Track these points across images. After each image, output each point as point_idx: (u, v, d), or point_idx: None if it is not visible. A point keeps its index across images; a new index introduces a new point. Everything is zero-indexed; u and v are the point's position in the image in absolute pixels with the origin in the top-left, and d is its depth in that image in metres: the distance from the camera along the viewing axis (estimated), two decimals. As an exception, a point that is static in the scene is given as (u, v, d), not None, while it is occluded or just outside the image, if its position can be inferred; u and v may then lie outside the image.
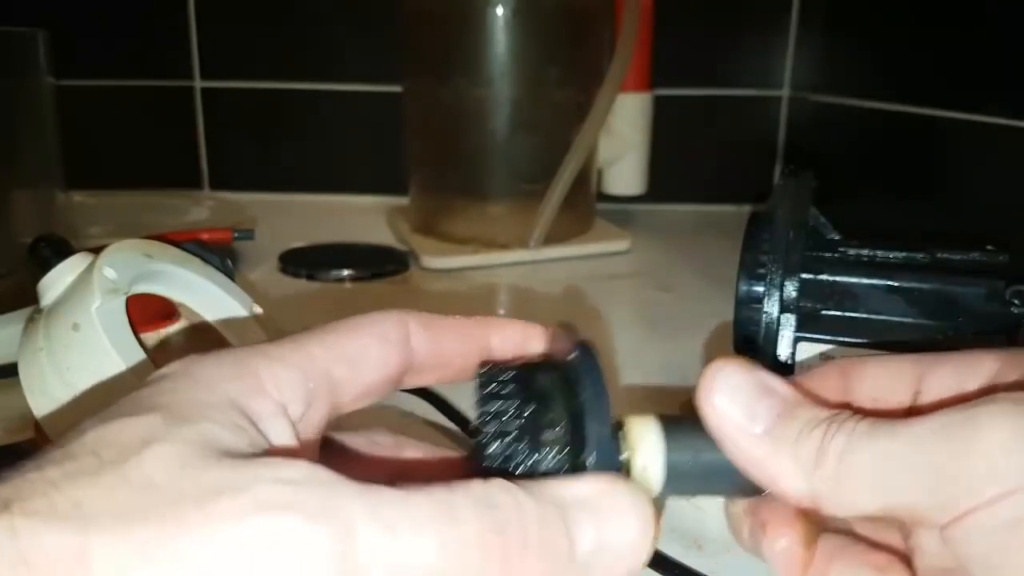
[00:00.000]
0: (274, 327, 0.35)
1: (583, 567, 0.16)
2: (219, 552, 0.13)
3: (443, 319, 0.21)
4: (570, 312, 0.55)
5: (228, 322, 0.36)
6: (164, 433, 0.15)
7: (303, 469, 0.14)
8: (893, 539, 0.21)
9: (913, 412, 0.19)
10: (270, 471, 0.14)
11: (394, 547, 0.14)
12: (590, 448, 0.18)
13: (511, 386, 0.19)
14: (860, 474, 0.18)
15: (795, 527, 0.20)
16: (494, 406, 0.19)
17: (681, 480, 0.19)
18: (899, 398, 0.20)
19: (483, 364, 0.20)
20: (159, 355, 0.31)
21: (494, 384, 0.19)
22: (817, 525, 0.21)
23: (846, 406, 0.20)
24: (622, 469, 0.19)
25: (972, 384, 0.19)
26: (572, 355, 0.19)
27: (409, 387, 0.21)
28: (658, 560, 0.29)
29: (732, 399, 0.19)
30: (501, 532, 0.15)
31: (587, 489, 0.16)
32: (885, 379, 0.20)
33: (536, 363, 0.21)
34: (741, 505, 0.21)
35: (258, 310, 0.37)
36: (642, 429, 0.19)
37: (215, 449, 0.15)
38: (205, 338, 0.36)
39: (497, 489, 0.15)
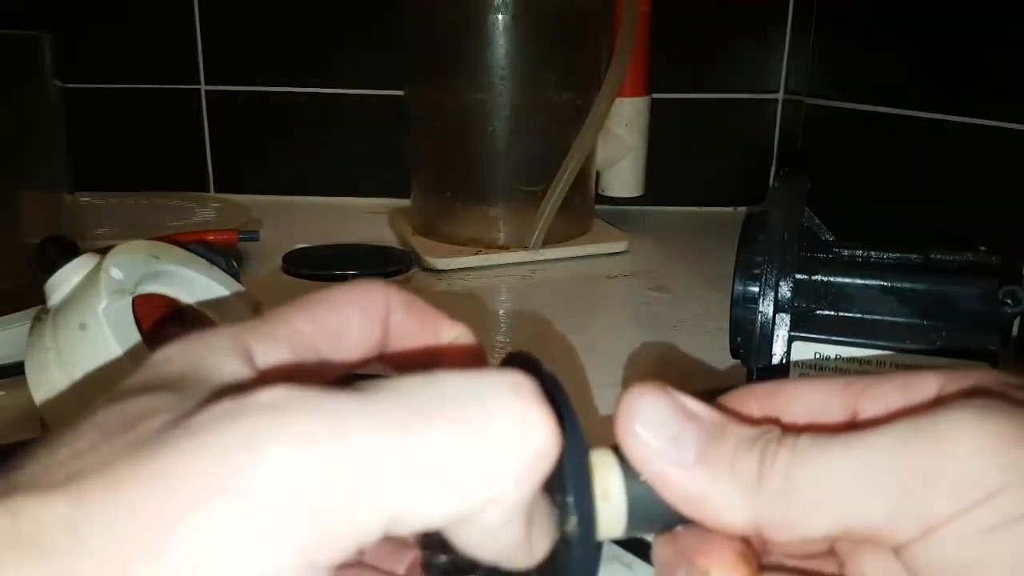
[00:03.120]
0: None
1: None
2: (205, 499, 0.13)
3: (420, 303, 0.20)
4: (569, 311, 0.56)
5: (232, 321, 0.36)
6: (170, 405, 0.15)
7: (282, 390, 0.14)
8: (827, 568, 0.20)
9: (856, 429, 0.17)
10: (251, 399, 0.14)
11: (404, 448, 0.13)
12: (571, 507, 0.16)
13: None
14: (811, 492, 0.16)
15: (739, 572, 0.18)
16: None
17: (643, 520, 0.18)
18: (834, 419, 0.19)
19: None
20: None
21: None
22: (756, 565, 0.19)
23: (775, 423, 0.18)
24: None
25: (916, 401, 0.18)
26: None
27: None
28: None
29: (655, 428, 0.17)
30: (543, 431, 0.14)
31: None
32: (816, 402, 0.19)
33: None
34: (669, 552, 0.19)
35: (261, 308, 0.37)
36: (600, 469, 0.18)
37: None
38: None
39: (522, 385, 0.15)
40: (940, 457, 0.16)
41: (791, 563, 0.21)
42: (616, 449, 0.18)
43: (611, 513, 0.18)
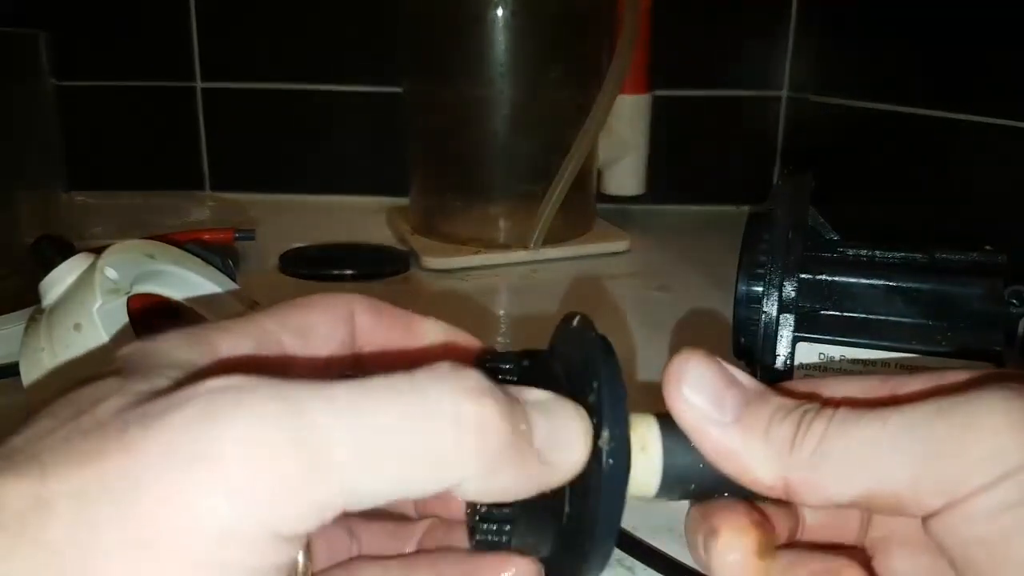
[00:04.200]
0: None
1: (539, 453, 0.17)
2: (170, 465, 0.13)
3: (389, 308, 0.22)
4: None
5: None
6: (118, 389, 0.15)
7: (239, 376, 0.15)
8: (847, 538, 0.21)
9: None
10: (209, 383, 0.15)
11: (357, 422, 0.14)
12: (608, 442, 0.17)
13: (517, 377, 0.19)
14: (841, 458, 0.17)
15: (750, 536, 0.19)
16: None
17: (677, 480, 0.19)
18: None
19: (483, 353, 0.20)
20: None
21: (499, 376, 0.19)
22: (774, 536, 0.20)
23: (815, 398, 0.19)
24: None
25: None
26: (586, 345, 0.19)
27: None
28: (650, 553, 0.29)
29: (699, 389, 0.19)
30: (477, 402, 0.15)
31: (541, 395, 0.17)
32: (856, 393, 0.20)
33: (545, 353, 0.21)
34: (696, 516, 0.20)
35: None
36: (639, 426, 0.19)
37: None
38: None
39: (463, 368, 0.16)
40: (969, 430, 0.16)
41: (811, 535, 0.21)
42: (658, 416, 0.19)
43: (647, 465, 0.19)
